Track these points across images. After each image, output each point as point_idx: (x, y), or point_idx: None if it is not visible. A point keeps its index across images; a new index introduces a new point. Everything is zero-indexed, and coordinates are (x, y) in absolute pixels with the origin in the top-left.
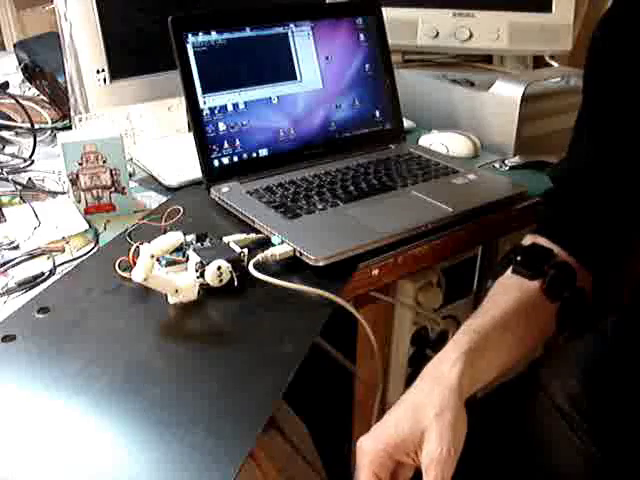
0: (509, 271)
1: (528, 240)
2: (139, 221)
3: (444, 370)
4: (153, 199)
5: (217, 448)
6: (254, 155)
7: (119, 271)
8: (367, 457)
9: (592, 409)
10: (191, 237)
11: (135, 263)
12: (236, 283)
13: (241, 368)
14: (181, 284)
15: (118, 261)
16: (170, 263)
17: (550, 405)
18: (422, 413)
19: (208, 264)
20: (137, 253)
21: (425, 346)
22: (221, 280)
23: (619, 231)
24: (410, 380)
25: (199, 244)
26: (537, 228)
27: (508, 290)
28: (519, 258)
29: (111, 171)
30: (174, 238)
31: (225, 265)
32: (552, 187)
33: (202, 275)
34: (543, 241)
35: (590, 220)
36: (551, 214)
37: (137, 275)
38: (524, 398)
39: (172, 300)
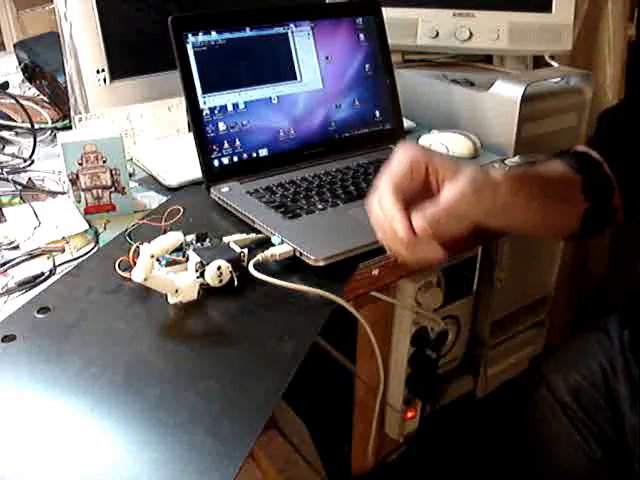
0: (557, 159)
1: (581, 148)
2: (139, 221)
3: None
4: (153, 199)
5: (217, 448)
6: (254, 155)
7: (119, 271)
8: (408, 152)
9: (595, 404)
10: (191, 237)
11: (135, 263)
12: (236, 283)
13: (241, 368)
14: (181, 284)
15: (118, 261)
16: (170, 263)
17: (552, 401)
18: (463, 165)
19: (208, 264)
20: (137, 253)
21: (425, 346)
22: (221, 280)
23: None
24: (410, 380)
25: (199, 244)
26: (591, 142)
27: (554, 167)
28: (570, 154)
29: (111, 171)
30: (174, 238)
31: (225, 265)
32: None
33: (202, 275)
34: (595, 154)
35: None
36: (606, 136)
37: (137, 275)
38: (526, 395)
39: (172, 300)
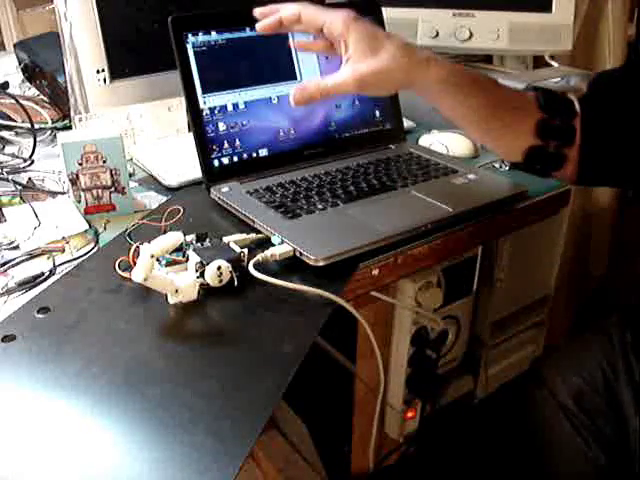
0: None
1: (570, 95)
2: (139, 221)
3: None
4: (153, 199)
5: (217, 448)
6: (254, 155)
7: (119, 271)
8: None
9: (597, 408)
10: (191, 237)
11: (135, 263)
12: (236, 283)
13: (241, 368)
14: (181, 284)
15: (118, 261)
16: (170, 263)
17: (553, 403)
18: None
19: (208, 264)
20: (137, 253)
21: (425, 346)
22: (221, 280)
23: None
24: (410, 380)
25: (199, 244)
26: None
27: (519, 94)
28: (546, 90)
29: (111, 171)
30: (174, 238)
31: (225, 265)
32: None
33: (202, 275)
34: (573, 96)
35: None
36: (594, 96)
37: (137, 275)
38: (526, 398)
39: (172, 300)
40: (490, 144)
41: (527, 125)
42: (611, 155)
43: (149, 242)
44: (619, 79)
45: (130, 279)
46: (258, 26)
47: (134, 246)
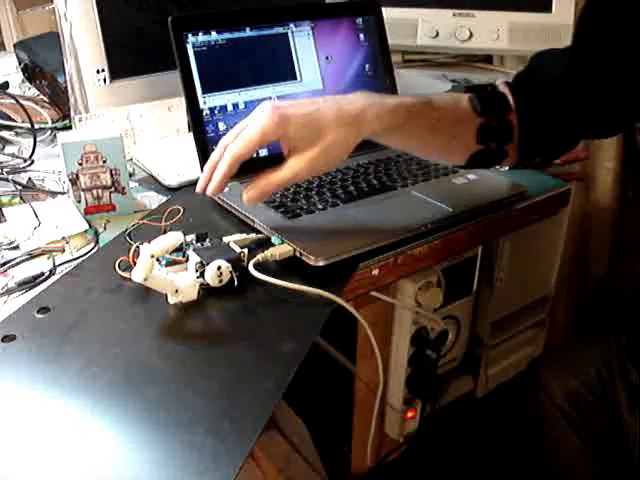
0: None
1: (501, 88)
2: (139, 221)
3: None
4: (153, 199)
5: (217, 448)
6: (254, 155)
7: (119, 271)
8: (262, 129)
9: (593, 409)
10: (191, 237)
11: (135, 263)
12: (236, 283)
13: (241, 368)
14: (181, 284)
15: (118, 261)
16: (170, 263)
17: (550, 404)
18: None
19: (208, 264)
20: (137, 253)
21: (425, 346)
22: (221, 280)
23: (567, 127)
24: (410, 380)
25: (199, 244)
26: (517, 79)
27: (452, 98)
28: (480, 89)
29: (111, 171)
30: (174, 238)
31: (225, 265)
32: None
33: (202, 275)
34: (505, 88)
35: (549, 103)
36: (524, 73)
37: (137, 275)
38: (524, 398)
39: (172, 300)
40: (437, 159)
41: (469, 134)
42: (547, 136)
43: (149, 242)
44: (556, 57)
45: (130, 279)
46: (209, 192)
47: (134, 246)
